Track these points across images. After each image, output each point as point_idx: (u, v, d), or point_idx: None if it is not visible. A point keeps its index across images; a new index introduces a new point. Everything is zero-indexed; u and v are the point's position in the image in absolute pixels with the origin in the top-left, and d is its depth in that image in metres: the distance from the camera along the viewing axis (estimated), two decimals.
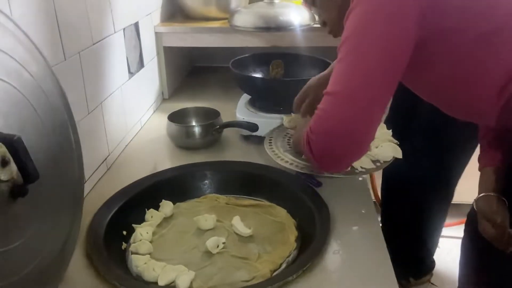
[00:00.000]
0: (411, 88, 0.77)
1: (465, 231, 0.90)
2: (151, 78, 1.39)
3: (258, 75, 1.29)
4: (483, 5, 0.64)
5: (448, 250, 1.48)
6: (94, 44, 0.95)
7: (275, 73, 1.20)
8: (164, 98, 1.51)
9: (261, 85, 1.15)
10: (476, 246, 0.83)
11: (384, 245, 0.78)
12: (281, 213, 0.89)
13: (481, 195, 0.76)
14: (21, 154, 0.54)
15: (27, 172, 0.55)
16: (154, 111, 1.41)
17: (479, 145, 0.87)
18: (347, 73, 0.63)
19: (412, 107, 1.01)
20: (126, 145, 1.17)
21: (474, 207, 0.76)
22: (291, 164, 0.93)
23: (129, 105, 1.18)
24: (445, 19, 0.63)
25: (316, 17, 1.26)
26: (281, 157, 0.97)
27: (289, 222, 0.86)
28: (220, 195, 0.96)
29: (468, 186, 1.17)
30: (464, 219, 0.90)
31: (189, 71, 1.82)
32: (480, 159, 0.84)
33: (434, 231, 1.22)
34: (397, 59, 0.62)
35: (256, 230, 0.84)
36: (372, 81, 0.61)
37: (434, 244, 1.28)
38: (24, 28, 0.64)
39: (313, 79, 1.00)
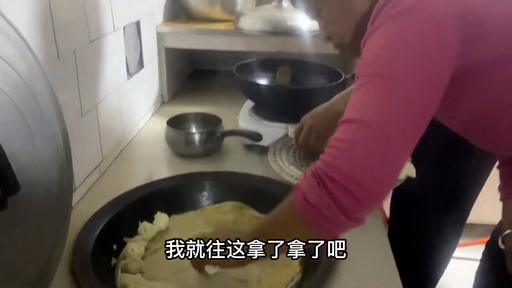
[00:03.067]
0: (439, 118, 0.68)
1: (483, 259, 0.84)
2: (150, 80, 1.33)
3: (263, 81, 1.24)
4: None
5: (454, 272, 1.42)
6: (91, 42, 0.89)
7: (282, 80, 1.14)
8: (164, 101, 1.45)
9: (266, 92, 1.09)
10: (496, 278, 0.77)
11: (395, 268, 0.73)
12: None
13: (509, 231, 0.70)
14: (0, 164, 0.48)
15: (7, 184, 0.49)
16: (152, 115, 1.35)
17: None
18: (377, 99, 0.52)
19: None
20: (122, 150, 1.11)
21: (500, 244, 0.71)
22: (297, 179, 0.87)
23: (126, 108, 1.12)
24: (488, 50, 0.55)
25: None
26: (285, 170, 0.91)
27: None
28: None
29: (479, 206, 1.11)
30: (475, 240, 0.84)
31: (190, 74, 1.77)
32: (501, 189, 0.78)
33: (443, 259, 1.16)
34: (436, 88, 0.54)
35: None
36: (408, 109, 0.52)
37: (440, 273, 1.21)
38: (14, 23, 0.58)
39: (311, 112, 0.94)
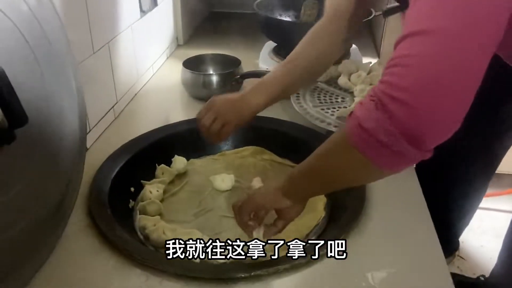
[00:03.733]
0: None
1: None
2: (165, 20, 1.26)
3: (286, 19, 1.15)
4: None
5: (479, 222, 1.38)
6: None
7: (307, 15, 1.05)
8: (179, 44, 1.38)
9: (289, 30, 1.01)
10: None
11: (427, 211, 0.69)
12: None
13: None
14: (4, 91, 0.44)
15: (12, 113, 0.45)
16: (167, 58, 1.29)
17: None
18: (449, 5, 0.43)
19: None
20: (136, 93, 1.06)
21: None
22: (322, 121, 0.82)
23: (140, 48, 1.06)
24: None
25: None
26: (310, 112, 0.85)
27: None
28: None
29: (508, 155, 1.04)
30: (502, 191, 0.78)
31: (206, 16, 1.68)
32: None
33: (470, 208, 1.11)
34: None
35: None
36: (484, 17, 0.43)
37: (465, 223, 1.17)
38: None
39: (219, 98, 0.74)
